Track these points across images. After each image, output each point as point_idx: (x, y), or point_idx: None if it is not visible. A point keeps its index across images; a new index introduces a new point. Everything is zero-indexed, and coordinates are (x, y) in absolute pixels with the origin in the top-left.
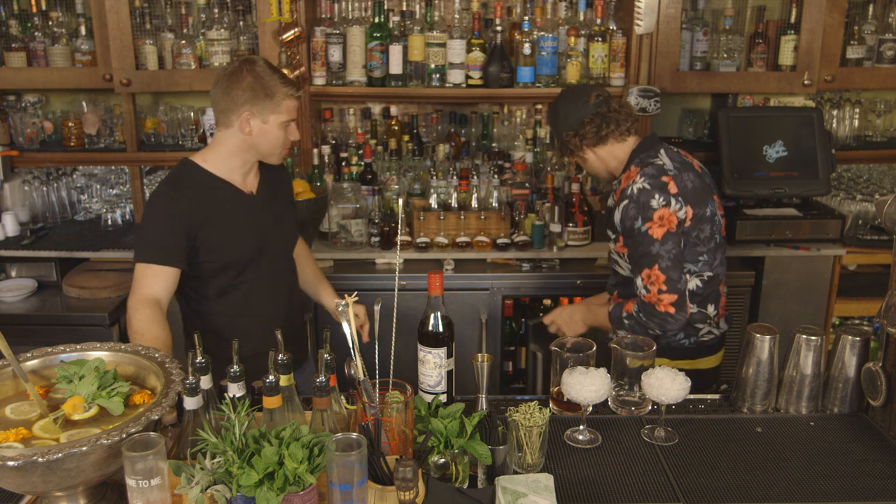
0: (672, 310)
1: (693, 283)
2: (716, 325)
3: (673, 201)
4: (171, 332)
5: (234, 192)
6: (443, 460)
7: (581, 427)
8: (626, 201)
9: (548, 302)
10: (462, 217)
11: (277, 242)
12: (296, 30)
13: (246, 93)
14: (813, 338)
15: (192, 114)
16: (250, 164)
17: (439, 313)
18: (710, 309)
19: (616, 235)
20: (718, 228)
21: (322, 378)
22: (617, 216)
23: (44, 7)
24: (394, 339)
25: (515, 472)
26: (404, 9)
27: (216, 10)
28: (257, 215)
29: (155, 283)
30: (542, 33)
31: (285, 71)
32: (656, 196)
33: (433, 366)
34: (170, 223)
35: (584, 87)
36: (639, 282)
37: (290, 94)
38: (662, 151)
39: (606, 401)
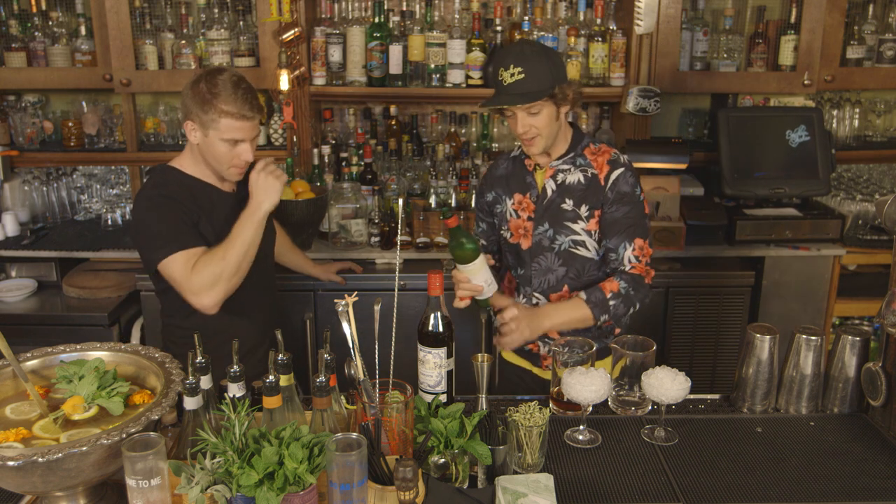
0: (650, 284)
1: None
2: None
3: None
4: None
5: (216, 192)
6: (443, 460)
7: (581, 427)
8: (622, 169)
9: None
10: (462, 217)
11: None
12: (296, 30)
13: (190, 102)
14: (813, 338)
15: None
16: None
17: (439, 313)
18: None
19: (590, 212)
20: None
21: (322, 378)
22: (610, 185)
23: (44, 7)
24: (394, 339)
25: (515, 472)
26: (404, 9)
27: (216, 10)
28: (241, 212)
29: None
30: (542, 33)
31: (284, 71)
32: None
33: (433, 366)
34: (174, 215)
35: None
36: (628, 252)
37: (229, 114)
38: None
39: (606, 401)
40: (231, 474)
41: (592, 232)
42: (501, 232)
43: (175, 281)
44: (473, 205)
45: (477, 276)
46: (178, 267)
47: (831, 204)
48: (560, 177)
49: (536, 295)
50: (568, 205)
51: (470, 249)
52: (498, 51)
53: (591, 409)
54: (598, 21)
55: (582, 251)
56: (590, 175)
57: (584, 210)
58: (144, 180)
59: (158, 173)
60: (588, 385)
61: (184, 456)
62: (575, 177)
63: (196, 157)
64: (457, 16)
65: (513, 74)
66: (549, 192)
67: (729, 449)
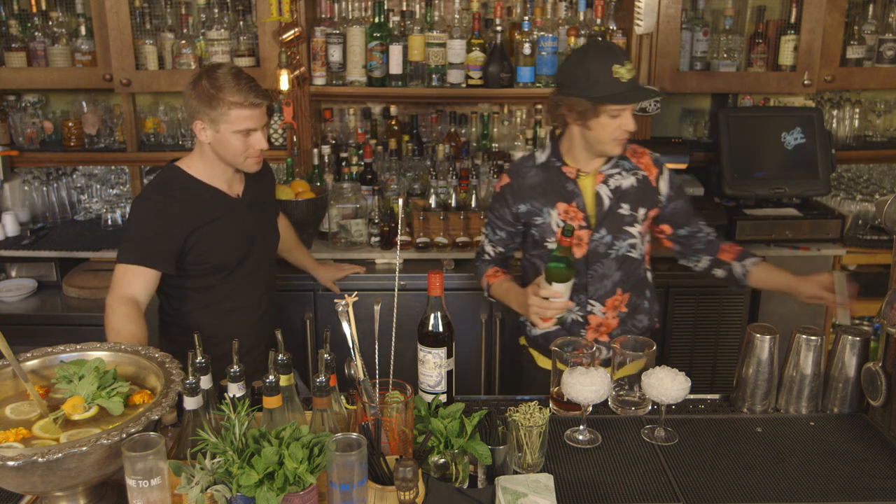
0: None
1: None
2: None
3: None
4: (147, 330)
5: (220, 197)
6: (443, 460)
7: (581, 427)
8: (668, 170)
9: None
10: (462, 217)
11: (262, 244)
12: (296, 30)
13: (195, 102)
14: (813, 338)
15: None
16: (231, 170)
17: (439, 313)
18: None
19: (645, 214)
20: None
21: (322, 378)
22: (665, 183)
23: (44, 7)
24: (394, 339)
25: (515, 472)
26: (404, 9)
27: (216, 10)
28: (244, 219)
29: (135, 283)
30: (542, 33)
31: (284, 71)
32: None
33: (433, 366)
34: (158, 226)
35: None
36: (705, 227)
37: (238, 104)
38: None
39: (606, 401)
40: (231, 474)
41: (643, 233)
42: (546, 243)
43: (112, 283)
44: (489, 211)
45: (567, 294)
46: (120, 276)
47: (831, 204)
48: (612, 182)
49: (592, 302)
50: (625, 209)
51: (572, 269)
52: (571, 49)
53: (591, 409)
54: (598, 21)
55: (634, 253)
56: (640, 177)
57: (640, 213)
58: (146, 180)
59: (165, 173)
60: (588, 385)
61: (184, 456)
62: (628, 181)
63: (206, 158)
64: (457, 16)
65: (630, 70)
66: (607, 199)
67: (729, 449)
